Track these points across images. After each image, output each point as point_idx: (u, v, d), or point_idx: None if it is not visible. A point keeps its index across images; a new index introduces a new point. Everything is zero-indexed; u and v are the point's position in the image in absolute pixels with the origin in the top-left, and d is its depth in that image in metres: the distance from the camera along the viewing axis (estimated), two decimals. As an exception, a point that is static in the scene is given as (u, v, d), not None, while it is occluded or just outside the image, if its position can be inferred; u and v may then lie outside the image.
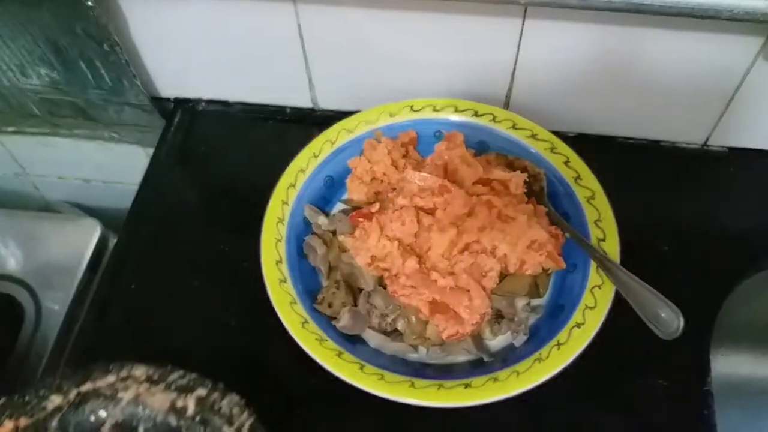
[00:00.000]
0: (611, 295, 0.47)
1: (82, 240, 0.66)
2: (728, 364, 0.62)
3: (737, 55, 0.53)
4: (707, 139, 0.62)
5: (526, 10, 0.53)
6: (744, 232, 0.57)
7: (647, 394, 0.49)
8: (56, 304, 0.63)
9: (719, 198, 0.60)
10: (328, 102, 0.67)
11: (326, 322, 0.49)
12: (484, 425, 0.48)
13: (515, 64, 0.58)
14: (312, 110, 0.68)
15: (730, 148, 0.63)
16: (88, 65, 0.63)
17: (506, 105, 0.63)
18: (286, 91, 0.67)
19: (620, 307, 0.45)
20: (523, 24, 0.54)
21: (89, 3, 0.55)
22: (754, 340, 0.63)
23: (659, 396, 0.49)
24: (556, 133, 0.56)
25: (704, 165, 0.62)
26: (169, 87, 0.69)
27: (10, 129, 0.77)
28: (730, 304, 0.53)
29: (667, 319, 0.42)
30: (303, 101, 0.67)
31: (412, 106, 0.58)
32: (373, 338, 0.50)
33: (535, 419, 0.48)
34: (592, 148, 0.55)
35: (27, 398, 0.43)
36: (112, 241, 0.67)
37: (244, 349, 0.53)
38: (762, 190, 0.60)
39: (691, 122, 0.61)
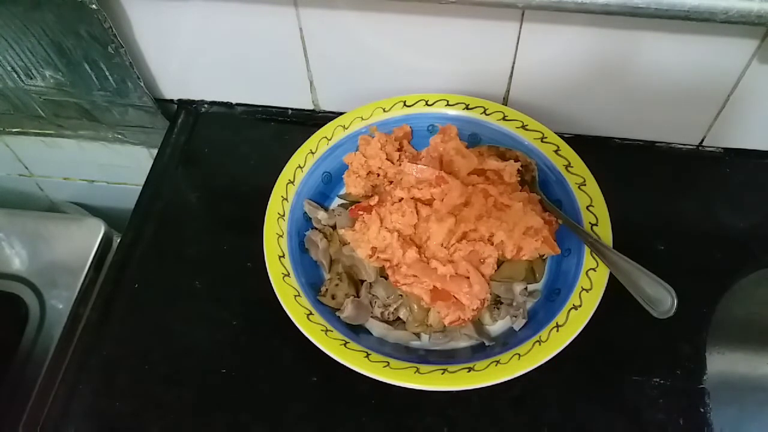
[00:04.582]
0: (606, 277, 0.47)
1: (87, 240, 0.67)
2: (724, 362, 0.62)
3: (732, 57, 0.54)
4: (702, 140, 0.63)
5: (523, 14, 0.53)
6: (739, 231, 0.58)
7: (643, 392, 0.49)
8: (60, 303, 0.64)
9: (714, 198, 0.60)
10: (328, 104, 0.68)
11: (330, 313, 0.50)
12: (482, 424, 0.48)
13: (513, 67, 0.59)
14: (313, 111, 0.69)
15: (726, 149, 0.63)
16: (93, 67, 0.63)
17: (504, 107, 0.64)
18: (287, 93, 0.67)
19: (616, 305, 0.46)
20: (520, 27, 0.54)
21: (93, 6, 0.55)
22: (750, 339, 0.63)
23: (655, 394, 0.49)
24: (554, 135, 0.57)
25: (700, 165, 0.63)
26: (173, 89, 0.70)
27: (15, 130, 0.78)
28: (726, 303, 0.53)
29: (660, 298, 0.42)
30: (304, 103, 0.68)
31: (404, 102, 0.59)
32: (377, 327, 0.51)
33: (532, 418, 0.48)
34: (589, 149, 0.56)
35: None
36: (116, 240, 0.67)
37: (246, 348, 0.53)
38: (757, 190, 0.61)
39: (687, 123, 0.61)
